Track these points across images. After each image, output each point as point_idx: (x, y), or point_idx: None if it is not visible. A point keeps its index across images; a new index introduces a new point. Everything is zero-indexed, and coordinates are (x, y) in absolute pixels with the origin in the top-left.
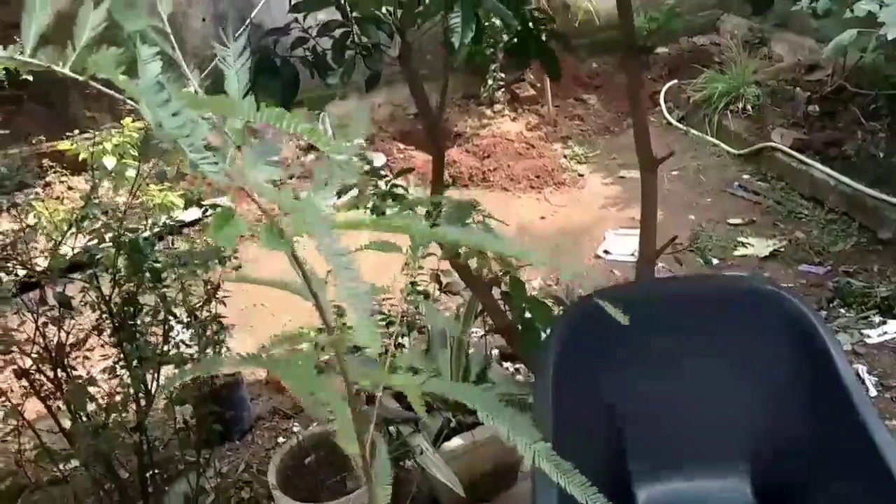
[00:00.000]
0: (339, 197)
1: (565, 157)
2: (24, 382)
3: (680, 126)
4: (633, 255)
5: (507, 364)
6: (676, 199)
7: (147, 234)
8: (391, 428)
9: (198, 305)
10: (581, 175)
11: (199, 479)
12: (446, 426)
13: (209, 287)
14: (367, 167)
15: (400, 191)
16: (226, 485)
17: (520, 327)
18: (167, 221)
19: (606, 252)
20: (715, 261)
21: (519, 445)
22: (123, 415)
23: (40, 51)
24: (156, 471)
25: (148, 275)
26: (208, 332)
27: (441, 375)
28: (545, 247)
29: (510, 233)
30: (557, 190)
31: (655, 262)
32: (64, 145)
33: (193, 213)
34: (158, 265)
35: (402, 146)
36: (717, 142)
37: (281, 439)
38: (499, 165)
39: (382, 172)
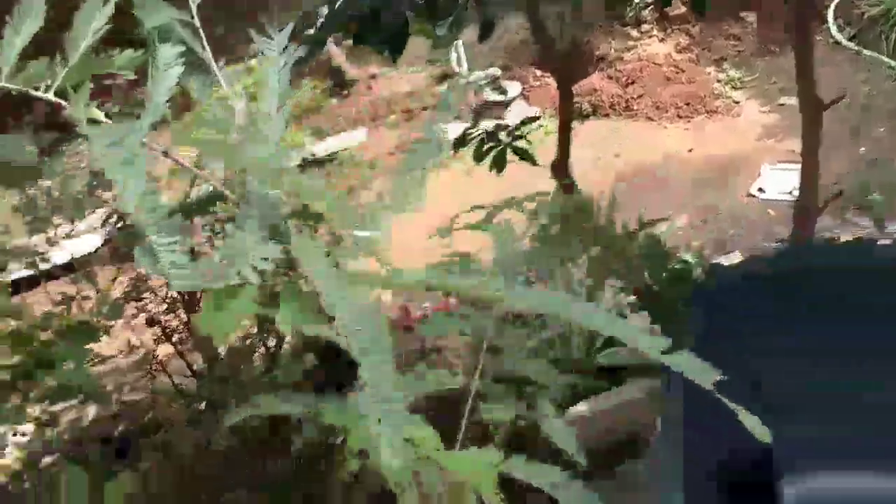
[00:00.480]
0: (456, 149)
1: (719, 81)
2: (157, 330)
3: (850, 45)
4: (791, 193)
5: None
6: (843, 129)
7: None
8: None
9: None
10: (736, 102)
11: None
12: (570, 390)
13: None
14: (500, 97)
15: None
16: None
17: (655, 290)
18: (305, 158)
19: (761, 190)
20: None
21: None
22: (252, 360)
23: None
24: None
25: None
26: None
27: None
28: (692, 182)
29: (655, 167)
30: (709, 119)
31: (816, 217)
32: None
33: (321, 149)
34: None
35: (538, 73)
36: (894, 63)
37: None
38: (644, 92)
39: (516, 103)
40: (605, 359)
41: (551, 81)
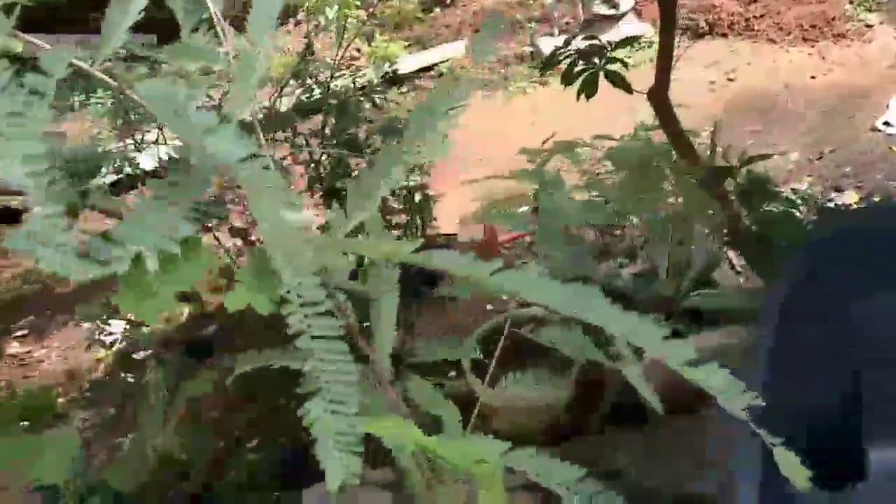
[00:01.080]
0: (543, 71)
1: (851, 2)
2: (238, 241)
3: None
4: None
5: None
6: None
7: (352, 95)
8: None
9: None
10: (868, 26)
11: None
12: None
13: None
14: (610, 11)
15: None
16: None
17: (754, 233)
18: (386, 72)
19: (887, 124)
20: None
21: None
22: None
23: None
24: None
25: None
26: (416, 199)
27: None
28: (812, 113)
29: (772, 94)
30: (836, 43)
31: None
32: None
33: (418, 61)
34: (352, 134)
35: None
36: None
37: (489, 307)
38: (767, 11)
39: (627, 18)
40: (694, 301)
41: None
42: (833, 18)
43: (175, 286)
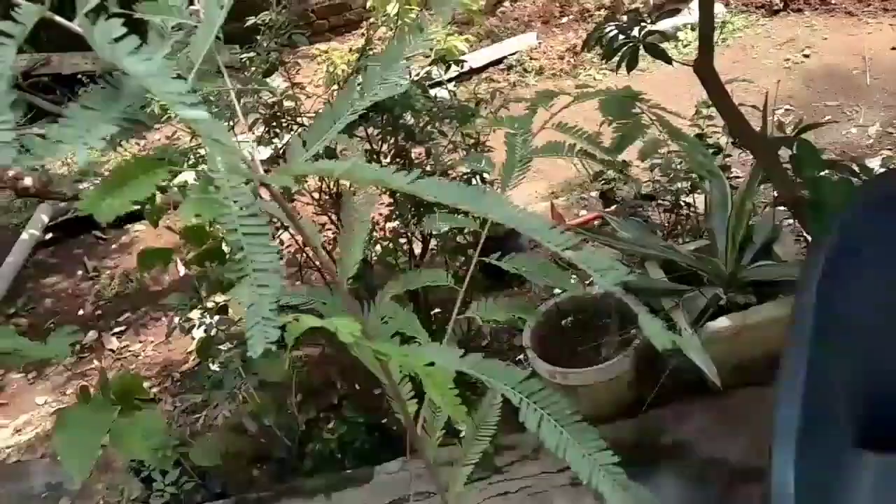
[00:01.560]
0: (584, 48)
1: None
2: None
3: None
4: None
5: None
6: None
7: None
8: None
9: (459, 160)
10: None
11: (470, 322)
12: (714, 304)
13: (472, 140)
14: None
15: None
16: (499, 329)
17: (809, 201)
18: (449, 65)
19: None
20: None
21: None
22: (400, 259)
23: None
24: (436, 310)
25: (402, 133)
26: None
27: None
28: (893, 85)
29: (850, 69)
30: None
31: None
32: None
33: (488, 54)
34: (411, 124)
35: None
36: None
37: (557, 290)
38: None
39: (691, 0)
40: (755, 273)
41: None
42: None
43: (131, 196)
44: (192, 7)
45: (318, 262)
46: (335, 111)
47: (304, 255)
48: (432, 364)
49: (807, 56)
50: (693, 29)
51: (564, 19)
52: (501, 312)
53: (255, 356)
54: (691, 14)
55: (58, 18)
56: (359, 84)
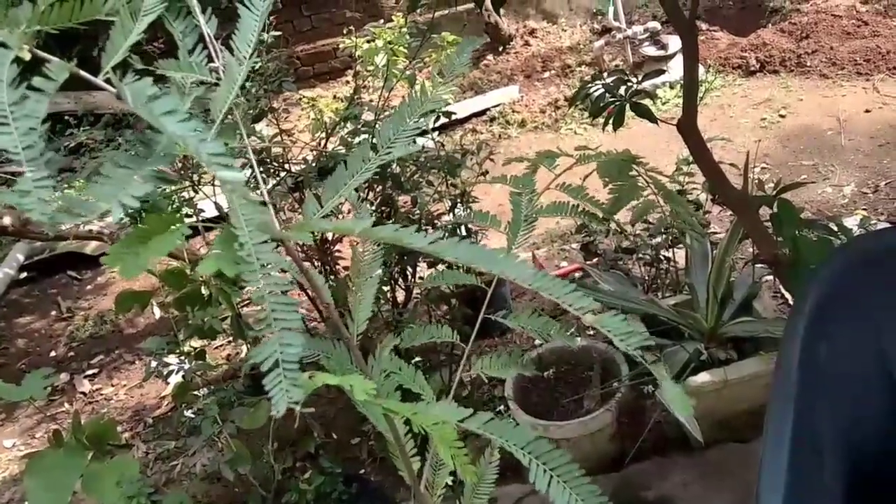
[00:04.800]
0: (571, 104)
1: None
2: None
3: None
4: None
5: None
6: None
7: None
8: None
9: (444, 210)
10: None
11: (452, 373)
12: (695, 358)
13: (458, 190)
14: (660, 52)
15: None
16: (480, 381)
17: (788, 259)
18: (438, 115)
19: None
20: None
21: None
22: (383, 307)
23: None
24: (417, 359)
25: (390, 181)
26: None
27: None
28: (866, 147)
29: (825, 129)
30: (892, 76)
31: None
32: (346, 42)
33: (471, 106)
34: (398, 172)
35: (704, 27)
36: None
37: (538, 341)
38: (819, 47)
39: (677, 58)
40: (735, 329)
41: (718, 35)
42: (888, 52)
43: (155, 252)
44: (210, 64)
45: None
46: (349, 168)
47: None
48: (441, 422)
49: (782, 116)
50: (671, 87)
51: (546, 74)
52: (504, 369)
53: (277, 416)
54: (669, 73)
55: (84, 74)
56: (372, 141)
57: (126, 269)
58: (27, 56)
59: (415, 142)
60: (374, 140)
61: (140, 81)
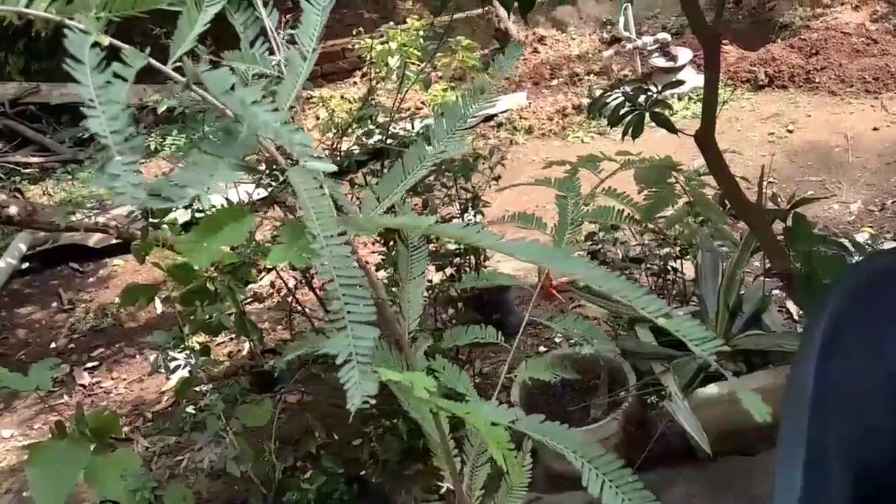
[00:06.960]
0: (590, 113)
1: None
2: (297, 274)
3: None
4: None
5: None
6: None
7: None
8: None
9: (455, 213)
10: None
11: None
12: (704, 370)
13: (470, 194)
14: (669, 64)
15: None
16: (485, 385)
17: (801, 274)
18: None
19: None
20: None
21: None
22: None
23: None
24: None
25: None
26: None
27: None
28: (874, 164)
29: (832, 145)
30: None
31: None
32: (362, 43)
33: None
34: None
35: None
36: None
37: (542, 348)
38: (828, 64)
39: (686, 70)
40: (745, 342)
41: (728, 48)
42: None
43: (226, 242)
44: (271, 57)
45: (384, 314)
46: (406, 165)
47: (294, 299)
48: (494, 424)
49: (790, 131)
50: (679, 98)
51: (554, 81)
52: (545, 372)
53: (352, 409)
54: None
55: (155, 63)
56: (428, 139)
57: (198, 257)
58: (105, 41)
59: (465, 140)
60: (420, 138)
61: (219, 70)
